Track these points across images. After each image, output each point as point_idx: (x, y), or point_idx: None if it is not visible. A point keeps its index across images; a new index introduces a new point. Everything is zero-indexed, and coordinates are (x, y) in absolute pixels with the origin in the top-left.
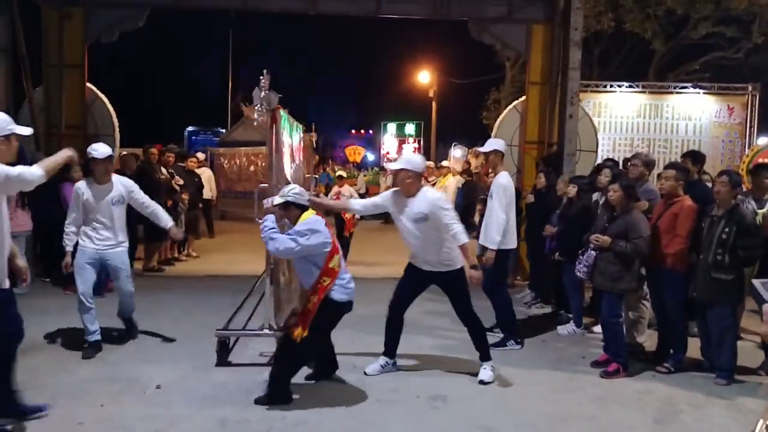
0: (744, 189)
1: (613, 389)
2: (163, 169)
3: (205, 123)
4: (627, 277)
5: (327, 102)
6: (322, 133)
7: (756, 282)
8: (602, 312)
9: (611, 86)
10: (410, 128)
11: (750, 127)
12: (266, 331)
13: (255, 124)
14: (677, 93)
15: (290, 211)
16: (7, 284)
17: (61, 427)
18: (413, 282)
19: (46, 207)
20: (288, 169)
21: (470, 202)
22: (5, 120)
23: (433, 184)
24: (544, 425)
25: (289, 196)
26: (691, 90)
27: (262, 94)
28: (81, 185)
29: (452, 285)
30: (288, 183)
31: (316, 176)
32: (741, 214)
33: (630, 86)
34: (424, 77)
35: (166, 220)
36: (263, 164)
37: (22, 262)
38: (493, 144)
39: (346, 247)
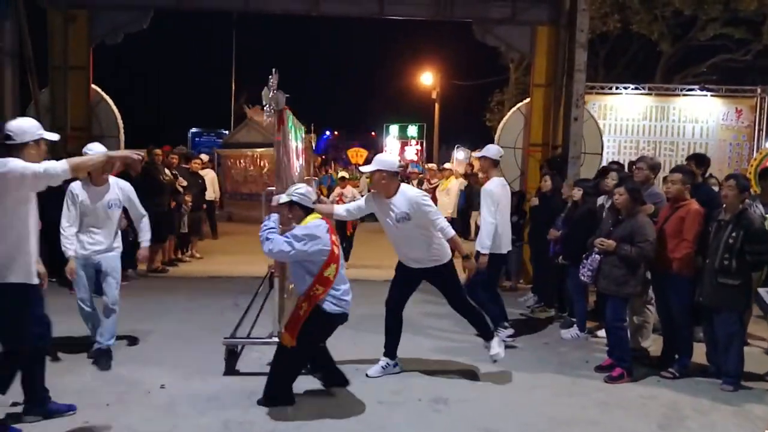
0: (752, 193)
1: (617, 394)
2: (167, 171)
3: (209, 124)
4: (632, 281)
5: (327, 102)
6: (323, 133)
7: (762, 291)
8: (606, 316)
9: (617, 88)
10: (413, 130)
11: (758, 131)
12: (275, 339)
13: (264, 124)
14: (684, 95)
15: (294, 211)
16: (36, 280)
17: (67, 426)
18: (405, 280)
19: (53, 207)
20: (296, 170)
21: (472, 205)
22: (35, 125)
23: (436, 187)
24: (546, 429)
25: (294, 195)
26: (699, 92)
27: (271, 94)
28: (75, 186)
29: (442, 278)
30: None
31: (316, 178)
32: (749, 219)
33: (636, 88)
34: (427, 79)
35: (147, 235)
36: (268, 166)
37: (40, 267)
38: (484, 150)
39: (349, 246)
